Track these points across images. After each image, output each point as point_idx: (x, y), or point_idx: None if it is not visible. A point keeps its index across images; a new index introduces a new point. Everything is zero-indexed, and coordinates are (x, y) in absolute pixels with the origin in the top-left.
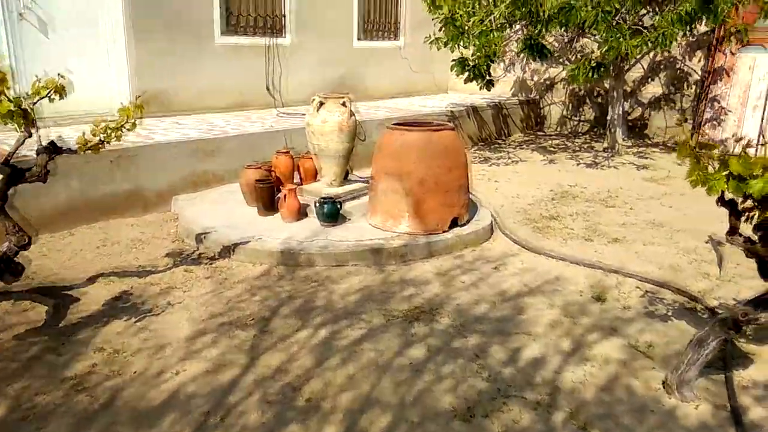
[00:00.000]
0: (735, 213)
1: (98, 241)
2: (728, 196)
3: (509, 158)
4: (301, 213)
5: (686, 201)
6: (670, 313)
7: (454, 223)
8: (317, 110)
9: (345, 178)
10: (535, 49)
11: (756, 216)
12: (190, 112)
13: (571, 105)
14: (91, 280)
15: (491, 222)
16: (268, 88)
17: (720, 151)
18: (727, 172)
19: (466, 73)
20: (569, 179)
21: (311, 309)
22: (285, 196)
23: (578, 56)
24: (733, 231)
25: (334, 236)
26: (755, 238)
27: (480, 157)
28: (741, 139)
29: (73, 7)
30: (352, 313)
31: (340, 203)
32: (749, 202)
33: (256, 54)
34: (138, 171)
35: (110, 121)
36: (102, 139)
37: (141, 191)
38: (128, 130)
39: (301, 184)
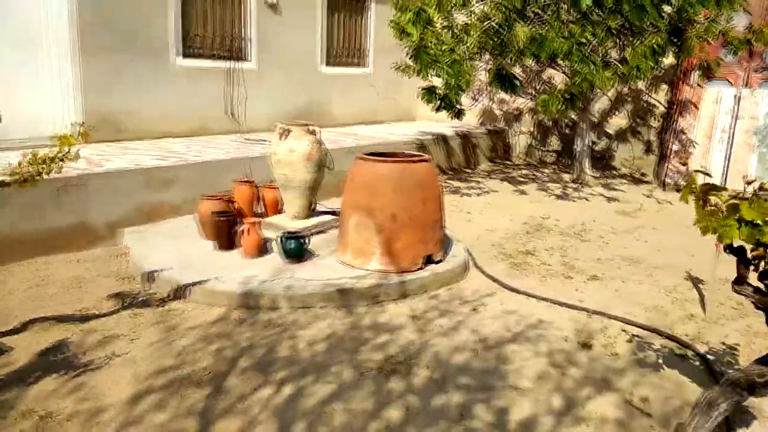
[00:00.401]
0: (744, 261)
1: (34, 281)
2: (737, 243)
3: (480, 189)
4: (263, 249)
5: (659, 235)
6: (661, 361)
7: (429, 260)
8: (283, 138)
9: (312, 210)
10: (506, 81)
11: (763, 264)
12: (147, 138)
13: (538, 135)
14: (23, 327)
15: (466, 258)
16: (232, 114)
17: (729, 194)
18: (737, 217)
19: (436, 102)
20: (541, 211)
21: (274, 361)
22: (246, 230)
23: (545, 87)
24: (740, 280)
25: (299, 275)
26: (762, 287)
27: (450, 187)
28: (752, 181)
29: (6, 26)
30: (320, 366)
31: (306, 239)
32: (761, 250)
33: (218, 78)
34: (85, 201)
35: (47, 151)
36: (38, 171)
37: (88, 223)
38: (69, 160)
39: (265, 216)
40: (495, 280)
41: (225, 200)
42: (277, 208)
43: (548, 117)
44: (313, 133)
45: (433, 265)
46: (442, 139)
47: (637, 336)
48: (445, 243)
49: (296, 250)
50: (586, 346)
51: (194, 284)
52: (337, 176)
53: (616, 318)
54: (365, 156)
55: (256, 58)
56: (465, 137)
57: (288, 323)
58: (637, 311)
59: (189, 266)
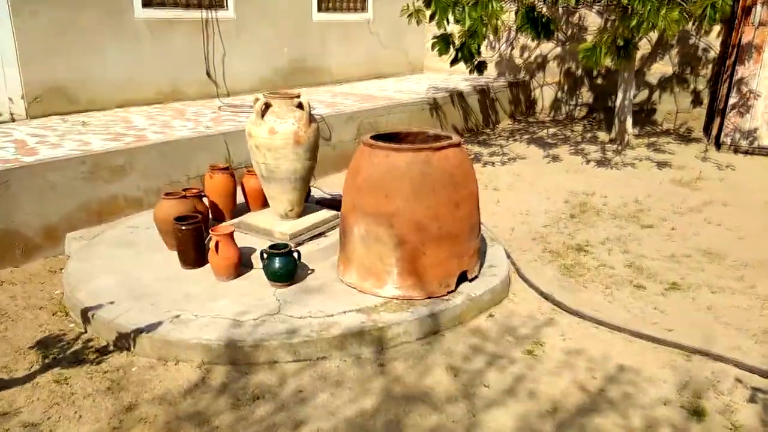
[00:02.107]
0: None
1: None
2: None
3: (504, 155)
4: (241, 265)
5: (734, 215)
6: None
7: (462, 278)
8: (261, 115)
9: (306, 200)
10: (539, 23)
11: None
12: (107, 108)
13: (566, 86)
14: None
15: (508, 268)
16: (208, 74)
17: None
18: None
19: (452, 54)
20: (582, 184)
21: None
22: (215, 245)
23: (575, 30)
24: None
25: (290, 309)
26: None
27: (469, 154)
28: None
29: None
30: None
31: (297, 253)
32: None
33: (190, 31)
34: (11, 203)
35: None
36: None
37: (17, 230)
38: None
39: (248, 211)
40: (546, 297)
41: (192, 196)
42: (264, 200)
43: (580, 66)
44: (300, 106)
45: (468, 283)
46: (457, 96)
47: (759, 390)
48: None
49: (284, 271)
50: (696, 413)
51: (144, 330)
52: (337, 149)
53: (723, 360)
54: (373, 141)
55: (235, 5)
56: (483, 92)
57: (285, 397)
58: (745, 342)
59: (141, 296)
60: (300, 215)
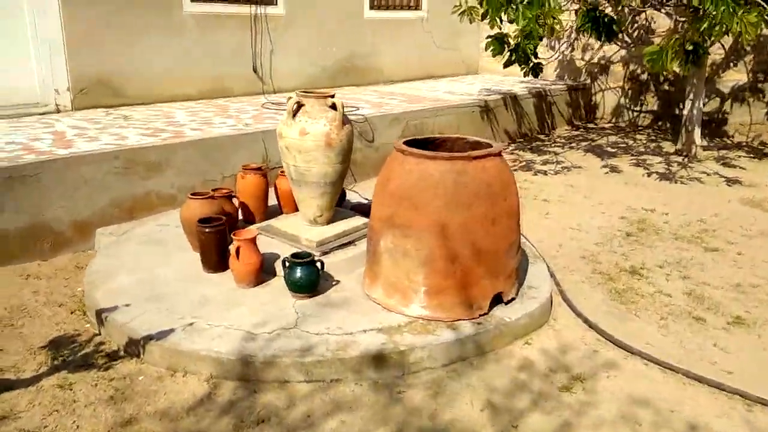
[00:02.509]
0: None
1: None
2: None
3: (558, 163)
4: (263, 272)
5: None
6: None
7: (497, 299)
8: (292, 115)
9: (340, 204)
10: (601, 24)
11: None
12: (153, 102)
13: (630, 92)
14: None
15: (551, 290)
16: (255, 70)
17: None
18: None
19: (507, 55)
20: (643, 198)
21: None
22: (236, 250)
23: (642, 33)
24: None
25: (308, 325)
26: None
27: (521, 161)
28: None
29: None
30: None
31: (320, 263)
32: None
33: (238, 27)
34: (42, 196)
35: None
36: None
37: (47, 224)
38: None
39: (280, 213)
40: (599, 331)
41: (221, 197)
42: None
43: (645, 70)
44: (334, 107)
45: (504, 306)
46: (511, 99)
47: None
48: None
49: (306, 281)
50: None
51: (154, 338)
52: (380, 151)
53: None
54: (406, 147)
55: (284, 1)
56: (540, 95)
57: (292, 422)
58: None
59: (158, 298)
60: (330, 221)
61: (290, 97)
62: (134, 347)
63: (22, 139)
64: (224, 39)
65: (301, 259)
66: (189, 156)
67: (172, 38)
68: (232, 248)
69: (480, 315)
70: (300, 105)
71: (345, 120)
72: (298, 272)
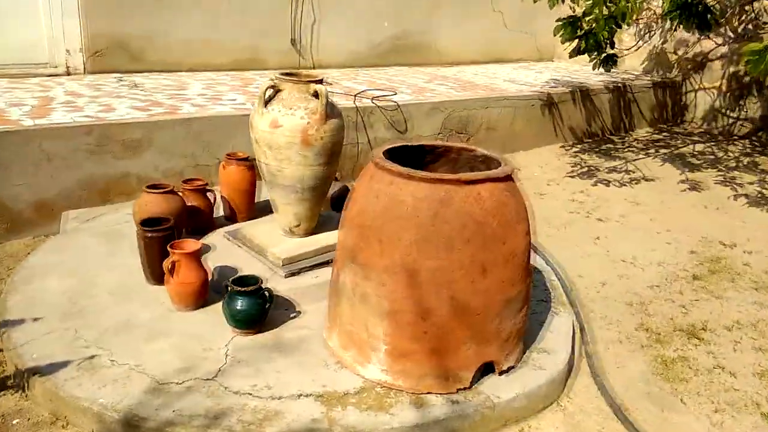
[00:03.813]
0: None
1: None
2: None
3: (627, 172)
4: (212, 290)
5: None
6: None
7: (489, 367)
8: (264, 102)
9: (339, 209)
10: (692, 13)
11: None
12: (174, 70)
13: (728, 94)
14: None
15: (569, 359)
16: (293, 42)
17: None
18: None
19: (575, 42)
20: (724, 228)
21: None
22: (173, 264)
23: (749, 28)
24: None
25: (237, 374)
26: None
27: (582, 166)
28: None
29: None
30: None
31: (267, 293)
32: None
33: None
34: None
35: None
36: None
37: (3, 203)
38: None
39: (270, 212)
40: (625, 421)
41: (191, 190)
42: None
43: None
44: (316, 95)
45: (497, 377)
46: (581, 93)
47: None
48: (537, 303)
49: (245, 316)
50: None
51: (40, 371)
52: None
53: None
54: (381, 159)
55: None
56: (618, 90)
57: None
58: None
59: (76, 315)
60: (311, 232)
61: (271, 80)
62: (20, 379)
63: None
64: (261, 6)
65: (244, 285)
66: (178, 136)
67: (202, 1)
68: (165, 264)
69: (459, 390)
70: (276, 90)
71: (331, 112)
72: (238, 303)
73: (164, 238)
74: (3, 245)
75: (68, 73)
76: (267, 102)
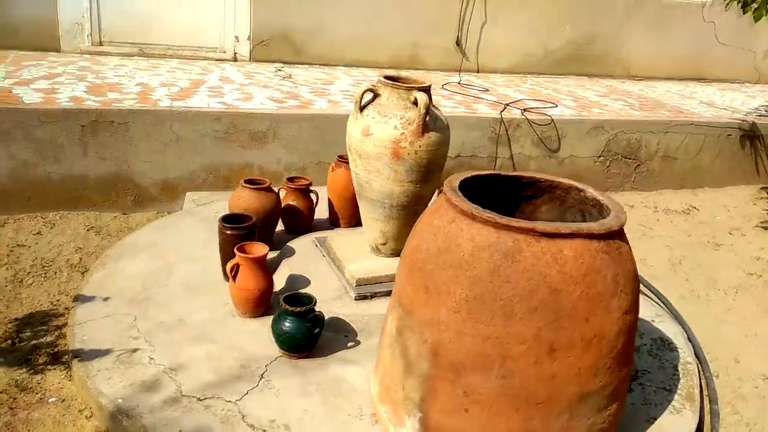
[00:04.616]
0: None
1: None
2: None
3: None
4: (268, 300)
5: None
6: None
7: None
8: (359, 107)
9: None
10: None
11: None
12: (334, 64)
13: None
14: None
15: None
16: (458, 43)
17: None
18: None
19: None
20: None
21: None
22: (235, 267)
23: None
24: None
25: (257, 405)
26: None
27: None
28: None
29: None
30: None
31: (319, 318)
32: None
33: None
34: (128, 146)
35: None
36: None
37: (131, 178)
38: None
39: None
40: None
41: (292, 189)
42: None
43: None
44: (416, 102)
45: None
46: None
47: None
48: (662, 390)
49: (289, 338)
50: None
51: (81, 355)
52: (566, 166)
53: None
54: (449, 189)
55: None
56: None
57: None
58: None
59: (143, 302)
60: (399, 254)
61: (371, 85)
62: (67, 357)
63: (153, 81)
64: (426, 3)
65: (297, 304)
66: (303, 131)
67: None
68: (228, 266)
69: None
70: (375, 95)
71: (433, 125)
72: (285, 324)
73: (242, 236)
74: (130, 216)
75: (235, 59)
76: (363, 107)
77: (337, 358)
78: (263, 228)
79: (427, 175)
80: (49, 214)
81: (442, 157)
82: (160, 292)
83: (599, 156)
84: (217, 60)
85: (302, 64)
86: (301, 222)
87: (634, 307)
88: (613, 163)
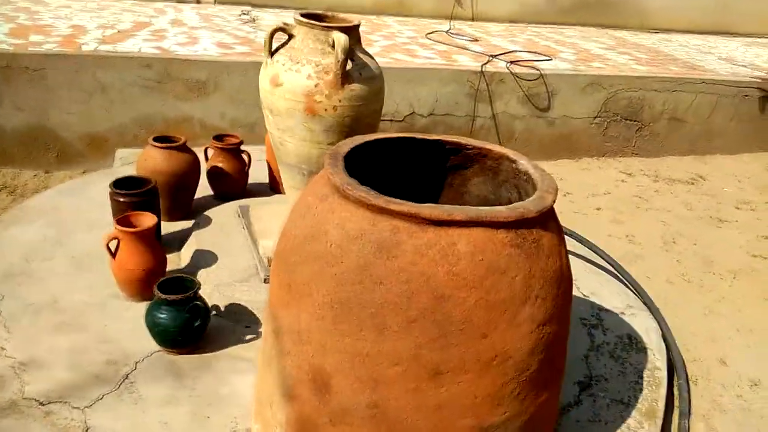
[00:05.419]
0: None
1: None
2: None
3: None
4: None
5: None
6: None
7: None
8: (269, 50)
9: None
10: None
11: None
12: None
13: None
14: None
15: None
16: None
17: None
18: None
19: None
20: None
21: None
22: (116, 242)
23: None
24: None
25: (107, 416)
26: None
27: None
28: None
29: None
30: None
31: (201, 307)
32: None
33: None
34: (47, 96)
35: None
36: None
37: (52, 131)
38: None
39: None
40: None
41: (220, 148)
42: None
43: None
44: (332, 45)
45: None
46: None
47: None
48: (619, 404)
49: (165, 330)
50: None
51: None
52: (557, 127)
53: None
54: (328, 157)
55: None
56: None
57: None
58: None
59: (16, 277)
60: None
61: (288, 23)
62: None
63: (91, 24)
64: None
65: (174, 292)
66: (249, 81)
67: None
68: (103, 240)
69: None
70: (290, 36)
71: (357, 74)
72: (160, 313)
73: (137, 203)
74: (53, 174)
75: (198, 1)
76: (274, 51)
77: (228, 354)
78: (176, 193)
79: (352, 136)
80: None
81: (370, 114)
82: (41, 267)
83: (596, 117)
84: (177, 2)
85: (273, 7)
86: (229, 186)
87: (558, 316)
88: (611, 124)
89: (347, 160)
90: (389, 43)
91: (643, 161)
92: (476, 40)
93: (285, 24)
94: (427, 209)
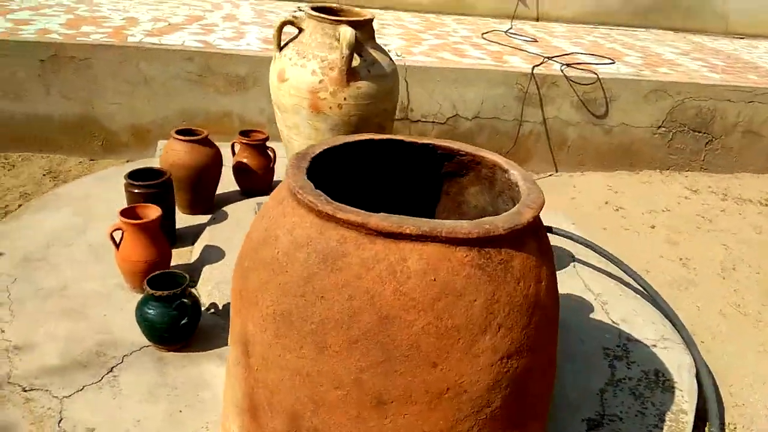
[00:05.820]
0: None
1: None
2: None
3: None
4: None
5: None
6: None
7: None
8: (278, 44)
9: None
10: None
11: None
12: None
13: None
14: None
15: None
16: None
17: None
18: None
19: None
20: None
21: None
22: (120, 234)
23: None
24: None
25: (87, 407)
26: None
27: None
28: None
29: None
30: None
31: (191, 307)
32: None
33: None
34: (92, 86)
35: None
36: None
37: (97, 120)
38: None
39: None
40: None
41: (246, 144)
42: None
43: None
44: (337, 39)
45: None
46: None
47: None
48: None
49: (151, 326)
50: None
51: None
52: (615, 135)
53: None
54: (293, 158)
55: None
56: None
57: None
58: None
59: (34, 262)
60: None
61: (295, 10)
62: None
63: (146, 16)
64: None
65: (163, 288)
66: None
67: None
68: (108, 231)
69: None
70: (299, 30)
71: (365, 71)
72: (148, 309)
73: (150, 195)
74: (95, 162)
75: None
76: (284, 46)
77: (218, 354)
78: (197, 186)
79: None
80: (13, 155)
81: (380, 114)
82: (60, 253)
83: (659, 126)
84: None
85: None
86: (254, 182)
87: (532, 348)
88: (677, 135)
89: (331, 163)
90: (439, 42)
91: (712, 177)
92: (535, 41)
93: (294, 17)
94: (375, 219)
